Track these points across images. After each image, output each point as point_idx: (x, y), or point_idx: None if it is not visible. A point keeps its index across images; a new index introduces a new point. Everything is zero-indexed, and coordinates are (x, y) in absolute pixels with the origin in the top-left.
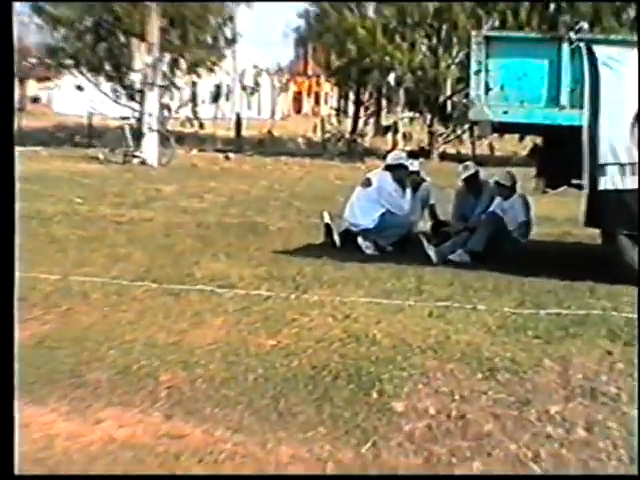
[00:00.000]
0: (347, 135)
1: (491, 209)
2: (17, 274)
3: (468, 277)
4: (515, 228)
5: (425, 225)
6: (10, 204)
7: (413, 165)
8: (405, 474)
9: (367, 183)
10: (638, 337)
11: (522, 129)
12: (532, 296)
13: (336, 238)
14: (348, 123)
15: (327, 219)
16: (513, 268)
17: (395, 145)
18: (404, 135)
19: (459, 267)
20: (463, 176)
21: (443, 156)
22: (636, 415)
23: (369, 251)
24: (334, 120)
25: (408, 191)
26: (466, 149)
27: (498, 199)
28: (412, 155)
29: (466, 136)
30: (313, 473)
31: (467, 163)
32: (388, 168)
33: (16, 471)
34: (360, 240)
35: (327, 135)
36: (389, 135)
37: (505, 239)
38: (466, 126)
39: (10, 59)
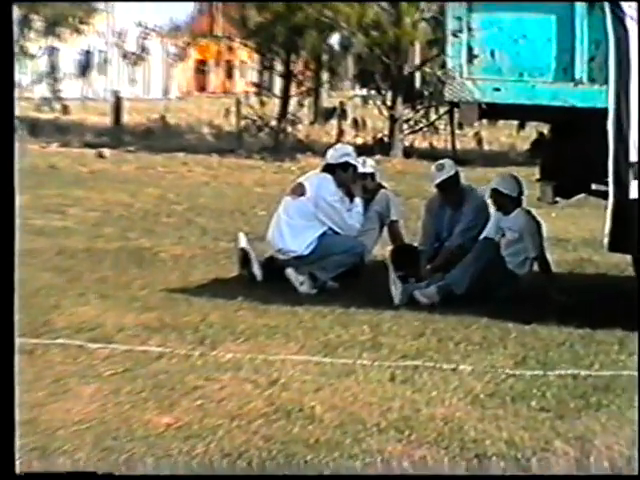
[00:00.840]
0: (273, 122)
1: (485, 233)
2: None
3: (446, 324)
4: (518, 264)
5: (383, 251)
6: (10, 204)
7: (366, 165)
8: (405, 474)
9: (300, 191)
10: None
11: (521, 113)
12: (537, 351)
13: (256, 270)
14: (274, 105)
15: (243, 243)
16: (510, 310)
17: (341, 136)
18: (354, 122)
19: (433, 310)
20: (438, 180)
21: (409, 152)
22: None
23: (304, 288)
24: (254, 101)
25: (358, 202)
26: (442, 142)
27: (494, 216)
28: (365, 150)
29: (442, 123)
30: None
31: (443, 161)
32: (330, 169)
33: (16, 471)
34: (291, 273)
35: (244, 122)
36: (333, 122)
37: (502, 277)
38: (442, 109)
39: (10, 59)
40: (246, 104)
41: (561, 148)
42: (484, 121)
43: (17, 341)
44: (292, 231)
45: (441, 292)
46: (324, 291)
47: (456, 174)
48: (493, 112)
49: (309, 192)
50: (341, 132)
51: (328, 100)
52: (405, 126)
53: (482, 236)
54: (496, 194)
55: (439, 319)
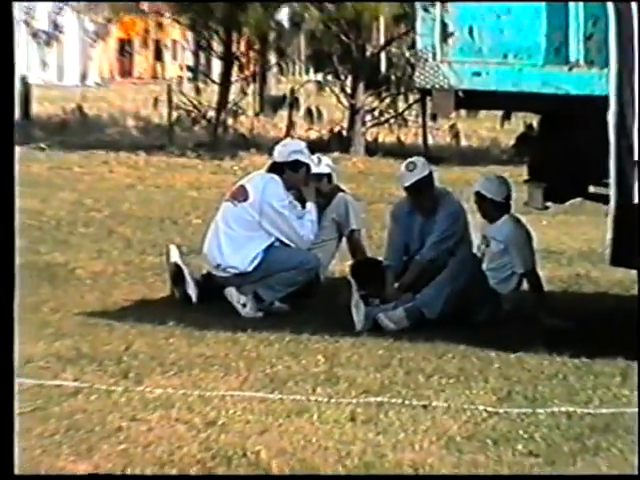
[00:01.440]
0: (210, 113)
1: (463, 246)
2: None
3: (416, 353)
4: (503, 281)
5: (342, 266)
6: (10, 204)
7: (321, 164)
8: (405, 474)
9: (242, 195)
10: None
11: (505, 102)
12: (524, 385)
13: (191, 289)
14: (212, 93)
15: (175, 257)
16: (492, 336)
17: (291, 129)
18: (308, 112)
19: (401, 337)
20: (407, 182)
21: (373, 148)
22: None
23: (247, 311)
24: (188, 88)
25: (312, 208)
26: (412, 136)
27: (477, 225)
28: (320, 147)
29: (412, 114)
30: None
31: (414, 160)
32: (278, 169)
33: (16, 471)
34: (231, 293)
35: (176, 114)
36: (282, 113)
37: (483, 297)
38: (412, 98)
39: (10, 59)
40: (179, 92)
41: (553, 144)
42: (462, 112)
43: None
44: (233, 243)
45: (411, 316)
46: (271, 314)
47: (429, 175)
48: (472, 101)
49: (253, 196)
50: (292, 125)
51: (276, 87)
52: (368, 117)
53: (463, 253)
54: (480, 199)
55: (408, 347)
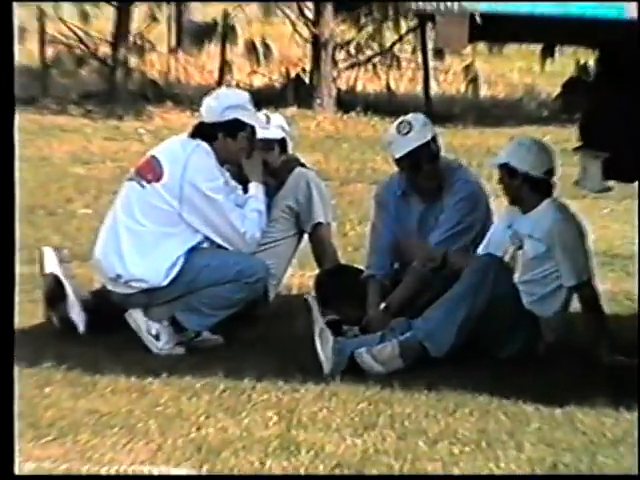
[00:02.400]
0: (104, 49)
1: (484, 246)
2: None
3: (414, 409)
4: (544, 300)
5: (303, 278)
6: (10, 202)
7: (270, 124)
8: (405, 474)
9: (152, 173)
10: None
11: (545, 30)
12: (576, 453)
13: (76, 313)
14: (107, 20)
15: (52, 265)
16: (528, 381)
17: (225, 73)
18: (251, 47)
19: (391, 383)
20: (400, 152)
21: (348, 100)
22: None
23: (161, 345)
24: (70, 12)
25: (257, 191)
26: (407, 82)
27: (504, 213)
28: (269, 98)
29: (407, 50)
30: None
31: (409, 117)
32: (206, 132)
33: (16, 471)
34: (138, 318)
35: (52, 50)
36: (210, 47)
37: (514, 323)
38: (406, 25)
39: (10, 58)
40: (56, 17)
41: (617, 93)
42: (480, 46)
43: None
44: (140, 244)
45: (407, 352)
46: (197, 350)
47: (432, 140)
48: (495, 30)
49: (169, 174)
50: (226, 66)
51: (202, 10)
52: (341, 55)
53: (479, 250)
54: (508, 175)
55: (402, 398)
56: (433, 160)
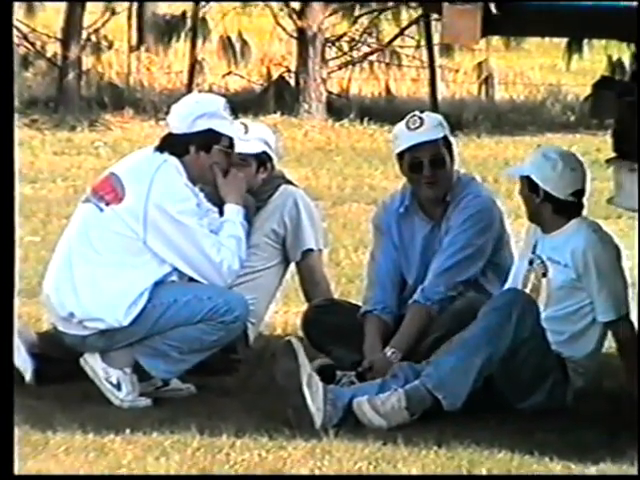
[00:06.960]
0: (54, 48)
1: (512, 280)
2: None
3: (423, 465)
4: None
5: (287, 316)
6: (10, 201)
7: (249, 134)
8: (405, 474)
9: (112, 194)
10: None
11: (571, 23)
12: None
13: (21, 359)
14: (58, 13)
15: None
16: (556, 435)
17: (196, 75)
18: (226, 43)
19: (395, 439)
20: (401, 147)
21: (340, 105)
22: None
23: (122, 396)
24: (17, 7)
25: (234, 215)
26: (410, 83)
27: (527, 236)
28: (248, 104)
29: (409, 46)
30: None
31: (423, 114)
32: (174, 145)
33: (16, 471)
34: (94, 364)
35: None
36: (178, 45)
37: (539, 367)
38: (408, 16)
39: (10, 58)
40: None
41: None
42: (495, 40)
43: None
44: (96, 278)
45: (414, 403)
46: (165, 402)
47: (444, 145)
48: (513, 22)
49: (132, 195)
50: (196, 66)
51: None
52: (332, 52)
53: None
54: (529, 190)
55: (406, 457)
56: (439, 165)
